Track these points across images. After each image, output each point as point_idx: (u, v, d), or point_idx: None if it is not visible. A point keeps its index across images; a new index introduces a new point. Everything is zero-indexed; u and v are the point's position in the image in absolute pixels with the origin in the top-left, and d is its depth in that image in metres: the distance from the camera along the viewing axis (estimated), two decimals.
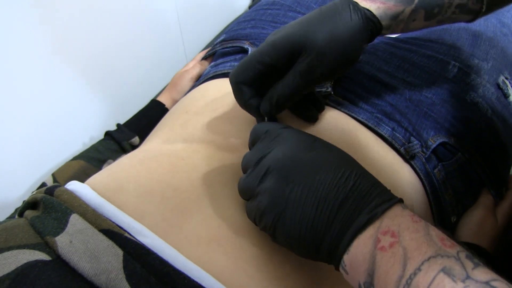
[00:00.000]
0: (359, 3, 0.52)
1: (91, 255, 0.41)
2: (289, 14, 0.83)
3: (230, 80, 0.54)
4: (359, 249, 0.37)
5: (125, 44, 0.95)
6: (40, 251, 0.41)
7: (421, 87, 0.69)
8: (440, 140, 0.65)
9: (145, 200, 0.48)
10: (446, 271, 0.33)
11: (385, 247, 0.36)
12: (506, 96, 0.76)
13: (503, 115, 0.74)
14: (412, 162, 0.63)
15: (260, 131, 0.49)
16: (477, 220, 0.66)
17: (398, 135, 0.64)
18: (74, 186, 0.49)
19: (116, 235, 0.43)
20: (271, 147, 0.45)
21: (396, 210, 0.38)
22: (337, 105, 0.65)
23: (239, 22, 0.87)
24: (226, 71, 0.75)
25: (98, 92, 0.91)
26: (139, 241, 0.43)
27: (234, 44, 0.80)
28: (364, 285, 0.37)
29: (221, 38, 0.86)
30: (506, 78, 0.77)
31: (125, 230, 0.44)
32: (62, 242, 0.41)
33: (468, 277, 0.32)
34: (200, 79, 0.82)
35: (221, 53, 0.83)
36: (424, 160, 0.63)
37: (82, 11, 0.81)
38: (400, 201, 0.40)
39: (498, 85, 0.75)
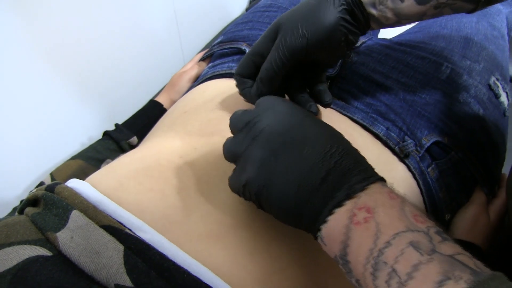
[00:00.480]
0: None
1: (92, 250, 0.41)
2: None
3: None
4: (335, 223, 0.39)
5: (124, 45, 0.95)
6: (41, 246, 0.41)
7: (415, 87, 0.70)
8: (433, 139, 0.66)
9: (145, 197, 0.49)
10: (414, 245, 0.34)
11: (359, 222, 0.37)
12: (497, 96, 0.77)
13: (494, 115, 0.75)
14: (407, 161, 0.64)
15: (260, 100, 0.50)
16: (470, 218, 0.67)
17: (392, 134, 0.65)
18: (74, 183, 0.49)
19: (116, 231, 0.43)
20: (263, 115, 0.45)
21: (375, 188, 0.40)
22: (333, 105, 0.66)
23: (236, 24, 0.88)
24: (224, 72, 0.76)
25: (96, 93, 0.91)
26: (139, 236, 0.44)
27: (232, 46, 0.81)
28: (338, 256, 0.39)
29: (219, 39, 0.87)
30: (497, 79, 0.79)
31: (125, 226, 0.44)
32: (63, 238, 0.42)
33: (434, 250, 0.34)
34: (198, 80, 0.82)
35: (219, 54, 0.83)
36: (418, 158, 0.64)
37: (80, 11, 0.81)
38: (382, 179, 0.42)
39: (489, 86, 0.76)
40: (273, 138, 0.43)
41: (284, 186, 0.41)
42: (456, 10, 0.57)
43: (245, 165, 0.44)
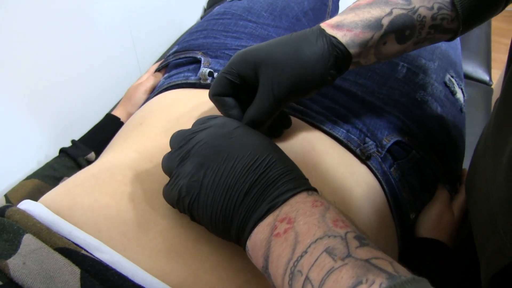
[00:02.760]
0: (326, 30, 0.53)
1: (46, 275, 0.39)
2: (240, 23, 0.83)
3: (208, 96, 0.55)
4: (258, 236, 0.39)
5: (78, 59, 0.93)
6: None
7: (373, 88, 0.71)
8: (394, 139, 0.66)
9: (101, 215, 0.47)
10: (328, 251, 0.34)
11: (280, 233, 0.38)
12: (453, 93, 0.79)
13: (452, 112, 0.76)
14: (369, 163, 0.64)
15: (197, 120, 0.51)
16: (434, 216, 0.68)
17: (353, 136, 0.65)
18: (26, 205, 0.47)
19: (72, 252, 0.41)
20: (196, 131, 0.47)
21: (299, 198, 0.40)
22: (292, 110, 0.66)
23: (191, 32, 0.87)
24: (179, 82, 0.74)
25: (51, 108, 0.89)
26: (96, 257, 0.42)
27: (187, 55, 0.79)
28: (262, 269, 0.39)
29: (174, 49, 0.86)
30: (452, 77, 0.80)
31: (81, 247, 0.43)
32: (14, 264, 0.40)
33: (348, 255, 0.34)
34: (154, 91, 0.81)
35: (174, 64, 0.82)
36: (380, 159, 0.65)
37: (32, 25, 0.79)
38: (310, 189, 0.42)
39: (445, 84, 0.78)
40: (202, 152, 0.44)
41: (211, 200, 0.42)
42: (435, 42, 0.59)
43: (177, 179, 0.44)
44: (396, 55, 0.58)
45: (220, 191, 0.41)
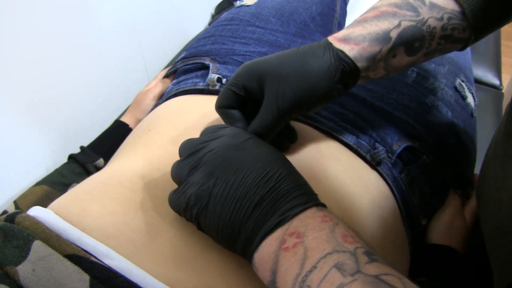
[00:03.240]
0: (333, 44, 0.52)
1: (55, 282, 0.39)
2: (248, 28, 0.83)
3: (215, 108, 0.55)
4: (266, 249, 0.39)
5: (86, 65, 0.94)
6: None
7: (382, 93, 0.70)
8: (404, 144, 0.66)
9: (109, 222, 0.47)
10: (338, 266, 0.35)
11: (288, 248, 0.38)
12: (463, 98, 0.78)
13: (462, 117, 0.76)
14: (379, 168, 0.63)
15: (205, 129, 0.50)
16: (446, 222, 0.67)
17: (363, 142, 0.65)
18: (36, 211, 0.47)
19: (81, 259, 0.41)
20: (207, 141, 0.46)
21: (308, 213, 0.40)
22: (300, 116, 0.66)
23: (199, 39, 0.87)
24: (188, 88, 0.74)
25: (60, 115, 0.89)
26: (106, 264, 0.42)
27: (195, 61, 0.80)
28: (269, 283, 0.39)
29: (182, 55, 0.86)
30: (462, 81, 0.80)
31: (91, 254, 0.43)
32: (24, 271, 0.40)
33: (358, 271, 0.34)
34: (162, 97, 0.81)
35: (182, 71, 0.82)
36: (390, 165, 0.64)
37: (43, 35, 0.79)
38: (320, 204, 0.42)
39: (455, 88, 0.77)
40: (213, 161, 0.44)
41: (220, 210, 0.42)
42: (445, 52, 0.58)
43: (186, 187, 0.44)
44: (406, 68, 0.57)
45: (229, 202, 0.41)
